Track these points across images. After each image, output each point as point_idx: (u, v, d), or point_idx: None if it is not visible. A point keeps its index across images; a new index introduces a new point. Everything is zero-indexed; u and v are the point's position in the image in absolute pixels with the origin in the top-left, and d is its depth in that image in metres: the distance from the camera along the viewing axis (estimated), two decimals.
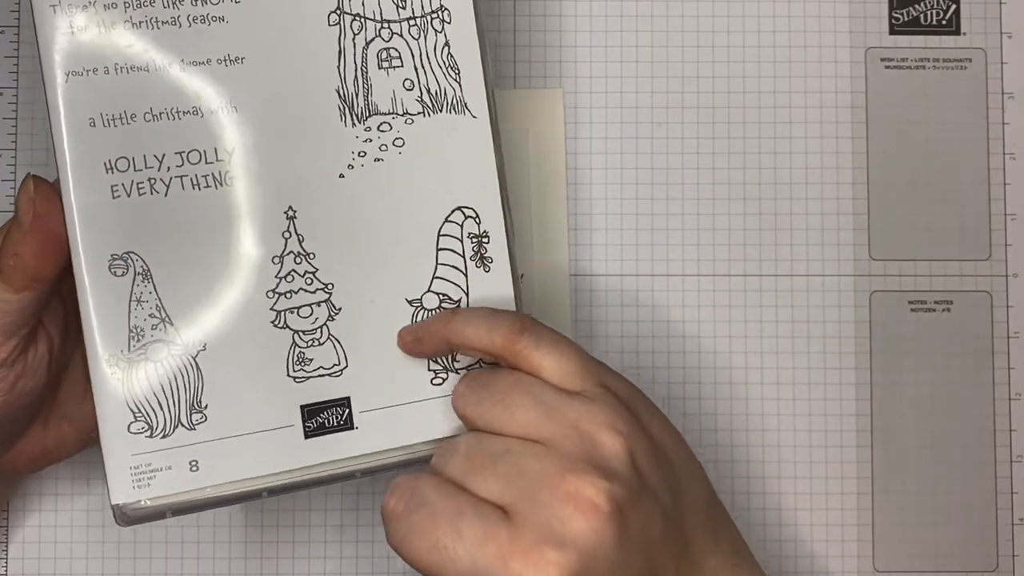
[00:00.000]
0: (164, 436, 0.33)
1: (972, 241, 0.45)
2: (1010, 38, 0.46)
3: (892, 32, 0.46)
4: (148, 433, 0.33)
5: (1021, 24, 0.46)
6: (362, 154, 0.35)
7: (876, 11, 0.46)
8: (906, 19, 0.46)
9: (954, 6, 0.46)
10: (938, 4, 0.46)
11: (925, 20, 0.46)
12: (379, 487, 0.44)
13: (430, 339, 0.35)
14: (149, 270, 0.33)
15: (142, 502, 0.33)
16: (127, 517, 0.33)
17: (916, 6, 0.46)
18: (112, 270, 0.33)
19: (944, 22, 0.46)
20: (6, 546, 0.44)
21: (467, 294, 0.36)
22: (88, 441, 0.38)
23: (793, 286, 0.45)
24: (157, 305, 0.33)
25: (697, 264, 0.45)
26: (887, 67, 0.46)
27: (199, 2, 0.34)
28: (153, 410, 0.33)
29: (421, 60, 0.35)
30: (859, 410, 0.45)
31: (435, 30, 0.36)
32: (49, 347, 0.35)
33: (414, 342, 0.35)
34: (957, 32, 0.46)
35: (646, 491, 0.31)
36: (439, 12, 0.36)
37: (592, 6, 0.46)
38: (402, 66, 0.35)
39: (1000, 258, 0.45)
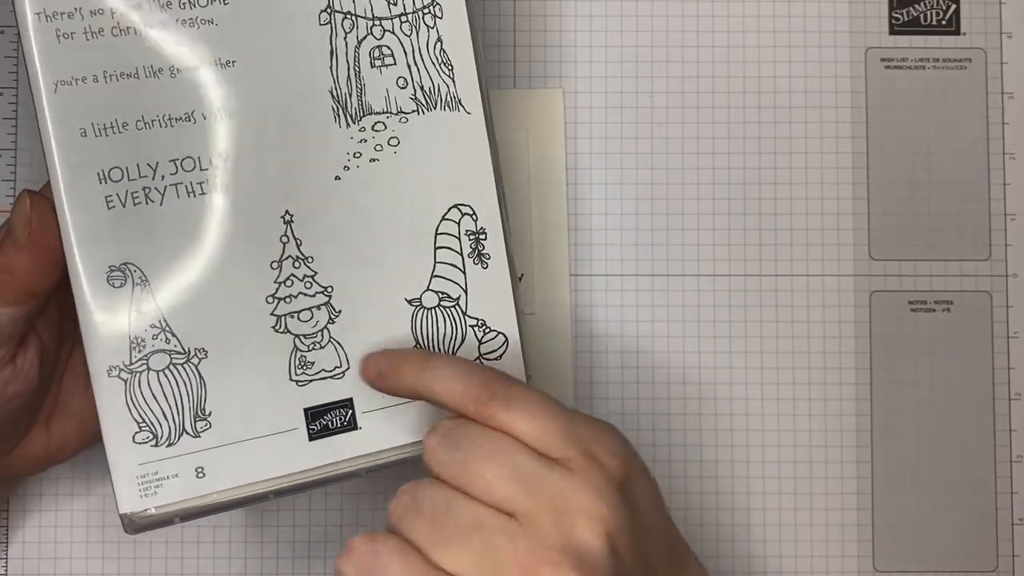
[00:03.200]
0: (170, 444, 0.33)
1: (972, 241, 0.45)
2: (1010, 38, 0.46)
3: (892, 32, 0.46)
4: (153, 442, 0.33)
5: (1021, 24, 0.46)
6: (357, 155, 0.35)
7: (876, 11, 0.46)
8: (906, 19, 0.46)
9: (954, 6, 0.46)
10: (938, 4, 0.46)
11: (925, 20, 0.46)
12: (380, 486, 0.44)
13: (395, 381, 0.33)
14: (147, 280, 0.33)
15: (150, 510, 0.33)
16: (135, 525, 0.33)
17: (916, 6, 0.46)
18: (110, 281, 0.33)
19: (944, 22, 0.46)
20: (6, 546, 0.44)
21: (466, 292, 0.36)
22: (90, 441, 0.38)
23: (793, 286, 0.45)
24: (157, 315, 0.33)
25: (697, 264, 0.45)
26: (887, 67, 0.46)
27: (187, 5, 0.33)
28: (157, 419, 0.33)
29: (414, 57, 0.35)
30: (859, 410, 0.45)
31: (427, 26, 0.35)
32: (39, 351, 0.35)
33: (378, 377, 0.33)
34: (957, 32, 0.46)
35: None
36: (431, 7, 0.35)
37: (592, 6, 0.46)
38: (395, 64, 0.35)
39: (1000, 258, 0.45)
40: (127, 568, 0.44)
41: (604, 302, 0.45)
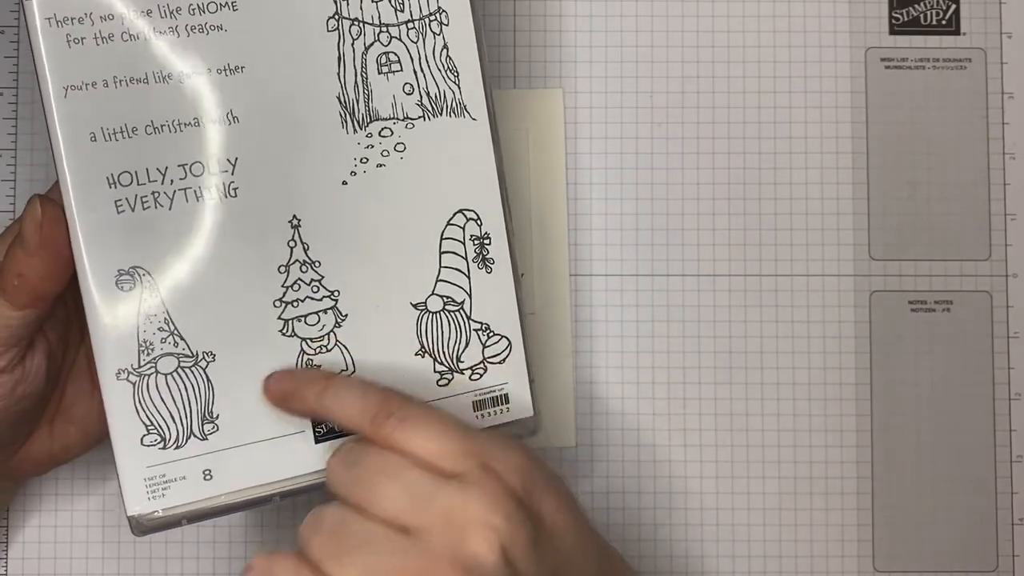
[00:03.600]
0: (177, 447, 0.34)
1: (972, 241, 0.45)
2: (1010, 38, 0.46)
3: (892, 32, 0.46)
4: (161, 445, 0.34)
5: (1021, 24, 0.46)
6: (364, 160, 0.35)
7: (876, 11, 0.46)
8: (906, 19, 0.46)
9: (954, 6, 0.46)
10: (938, 4, 0.46)
11: (925, 20, 0.46)
12: None
13: (298, 403, 0.33)
14: (156, 283, 0.33)
15: (157, 512, 0.33)
16: (143, 527, 0.33)
17: (916, 6, 0.46)
18: (119, 285, 0.33)
19: (944, 22, 0.46)
20: (6, 546, 0.44)
21: (470, 296, 0.36)
22: (93, 443, 0.38)
23: (793, 286, 0.45)
24: (165, 318, 0.33)
25: (697, 264, 0.45)
26: (887, 67, 0.46)
27: (197, 11, 0.33)
28: (165, 422, 0.33)
29: (420, 64, 0.35)
30: (859, 410, 0.45)
31: (433, 33, 0.36)
32: (47, 352, 0.35)
33: (280, 397, 0.34)
34: (957, 32, 0.46)
35: None
36: (437, 14, 0.36)
37: (592, 6, 0.46)
38: (401, 70, 0.35)
39: (1000, 258, 0.45)
40: (127, 568, 0.44)
41: (604, 302, 0.45)
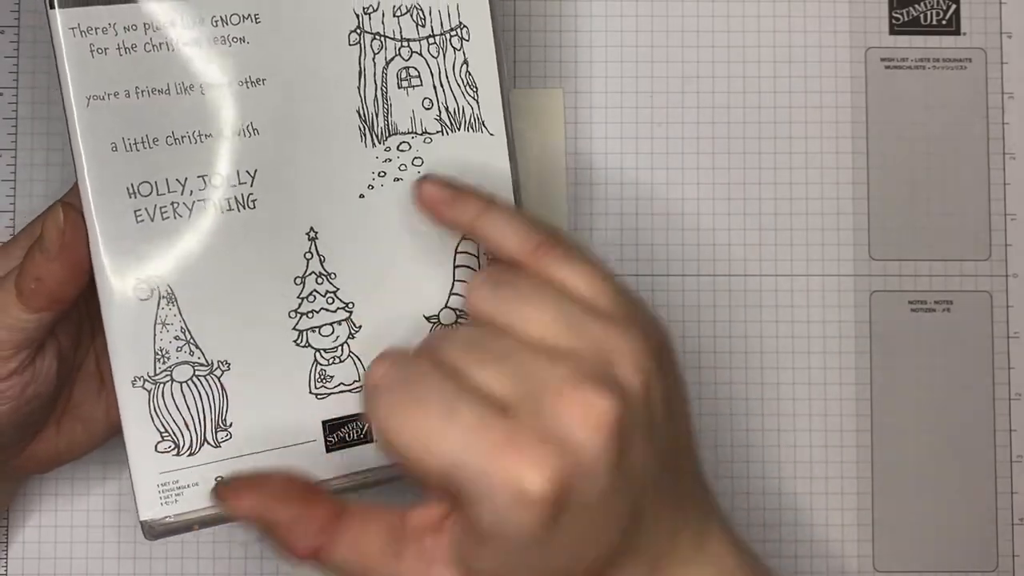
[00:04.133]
0: (191, 454, 0.34)
1: (972, 241, 0.45)
2: (1010, 38, 0.46)
3: (892, 32, 0.46)
4: (175, 452, 0.34)
5: (1021, 24, 0.46)
6: (382, 174, 0.35)
7: (876, 11, 0.46)
8: (906, 19, 0.46)
9: (954, 6, 0.46)
10: (938, 4, 0.46)
11: (925, 20, 0.46)
12: (379, 494, 0.44)
13: (452, 213, 0.32)
14: (174, 293, 0.33)
15: (169, 518, 0.34)
16: (155, 532, 0.34)
17: (916, 6, 0.46)
18: (137, 294, 0.33)
19: (944, 22, 0.46)
20: (6, 546, 0.44)
21: None
22: (97, 443, 0.38)
23: (793, 286, 0.45)
24: (182, 327, 0.34)
25: (697, 264, 0.45)
26: (887, 67, 0.46)
27: (220, 23, 0.34)
28: (180, 429, 0.34)
29: (440, 79, 0.36)
30: (859, 410, 0.45)
31: (454, 48, 0.36)
32: (57, 353, 0.35)
33: (433, 201, 0.32)
34: (957, 32, 0.46)
35: (653, 433, 0.28)
36: (458, 30, 0.36)
37: (592, 6, 0.46)
38: (421, 85, 0.36)
39: (1000, 258, 0.45)
40: (127, 568, 0.44)
41: None
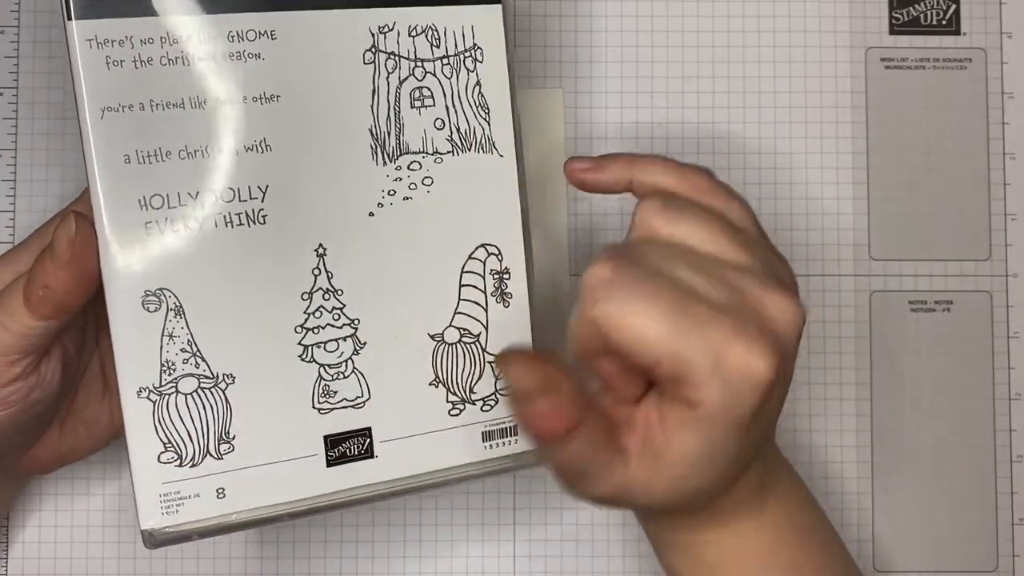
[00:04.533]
0: (193, 465, 0.34)
1: (972, 241, 0.45)
2: (1010, 38, 0.46)
3: (892, 32, 0.46)
4: (178, 463, 0.34)
5: (1021, 24, 0.46)
6: (392, 192, 0.35)
7: (876, 11, 0.46)
8: (906, 19, 0.46)
9: (954, 6, 0.46)
10: (938, 4, 0.46)
11: (925, 20, 0.46)
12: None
13: (607, 178, 0.35)
14: (181, 306, 0.33)
15: (170, 528, 0.34)
16: (155, 541, 0.34)
17: (916, 6, 0.46)
18: (145, 306, 0.33)
19: (944, 22, 0.46)
20: (6, 546, 0.44)
21: (486, 328, 0.36)
22: (100, 445, 0.38)
23: None
24: (188, 340, 0.34)
25: None
26: (887, 67, 0.46)
27: (236, 39, 0.34)
28: (183, 440, 0.34)
29: (452, 99, 0.36)
30: (859, 410, 0.45)
31: (467, 69, 0.36)
32: (62, 358, 0.36)
33: (593, 168, 0.35)
34: (957, 32, 0.46)
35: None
36: (472, 51, 0.36)
37: (592, 6, 0.46)
38: (434, 105, 0.36)
39: (1000, 258, 0.45)
40: (127, 568, 0.44)
41: None
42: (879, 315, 0.45)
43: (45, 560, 0.44)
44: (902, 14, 0.46)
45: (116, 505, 0.44)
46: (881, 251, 0.45)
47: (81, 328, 0.37)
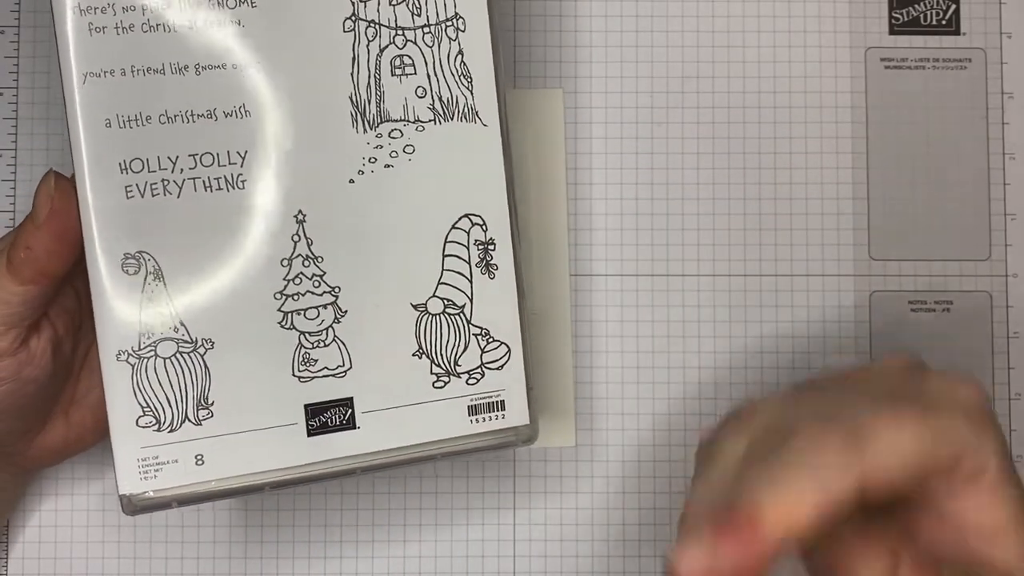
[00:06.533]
0: (171, 431, 0.34)
1: (972, 241, 0.45)
2: (1010, 38, 0.46)
3: (892, 32, 0.46)
4: (156, 427, 0.34)
5: (1021, 24, 0.46)
6: (372, 160, 0.35)
7: (876, 11, 0.46)
8: (906, 19, 0.46)
9: (954, 6, 0.46)
10: (938, 4, 0.46)
11: (925, 20, 0.46)
12: (379, 487, 0.44)
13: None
14: (161, 270, 0.34)
15: (148, 493, 0.34)
16: (133, 506, 0.34)
17: (916, 6, 0.46)
18: (124, 269, 0.34)
19: (944, 22, 0.46)
20: (6, 546, 0.44)
21: (471, 300, 0.36)
22: (108, 431, 0.39)
23: (793, 286, 0.45)
24: (168, 304, 0.34)
25: (697, 264, 0.45)
26: (887, 67, 0.46)
27: (216, 6, 0.34)
28: (161, 405, 0.34)
29: (434, 68, 0.36)
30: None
31: (449, 38, 0.36)
32: (52, 338, 0.36)
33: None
34: (957, 32, 0.46)
35: None
36: (454, 20, 0.36)
37: (592, 6, 0.46)
38: (415, 73, 0.36)
39: (1000, 258, 0.45)
40: (127, 568, 0.44)
41: (604, 302, 0.45)
42: (879, 315, 0.45)
43: (45, 560, 0.44)
44: (902, 14, 0.46)
45: (116, 504, 0.44)
46: (881, 251, 0.45)
47: (72, 311, 0.37)
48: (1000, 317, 0.45)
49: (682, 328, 0.45)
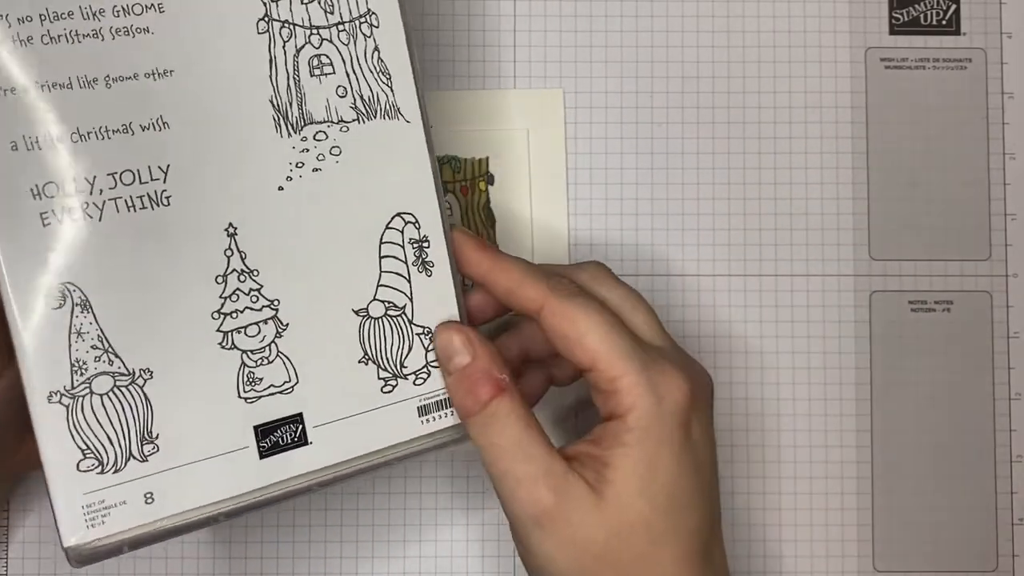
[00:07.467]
0: (116, 471, 0.32)
1: (972, 241, 0.45)
2: (1010, 38, 0.46)
3: (892, 32, 0.46)
4: (99, 469, 0.32)
5: (1021, 24, 0.46)
6: (300, 165, 0.34)
7: (876, 11, 0.46)
8: (906, 19, 0.46)
9: (954, 6, 0.46)
10: (938, 4, 0.46)
11: (925, 20, 0.46)
12: (379, 487, 0.44)
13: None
14: (88, 300, 0.32)
15: (96, 541, 0.32)
16: (82, 557, 0.32)
17: (916, 6, 0.46)
18: (48, 303, 0.31)
19: (944, 22, 0.46)
20: (6, 546, 0.44)
21: (411, 300, 0.35)
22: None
23: (793, 286, 0.45)
24: (99, 336, 0.32)
25: (697, 264, 0.45)
26: (887, 67, 0.46)
27: (121, 13, 0.32)
28: (103, 445, 0.32)
29: (352, 66, 0.35)
30: (859, 410, 0.45)
31: (364, 35, 0.35)
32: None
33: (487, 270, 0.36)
34: (957, 32, 0.46)
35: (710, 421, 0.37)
36: (367, 16, 0.35)
37: (592, 6, 0.46)
38: (334, 73, 0.35)
39: (1000, 258, 0.45)
40: (126, 568, 0.44)
41: None
42: (879, 315, 0.45)
43: (45, 560, 0.44)
44: (902, 14, 0.46)
45: None
46: (881, 251, 0.45)
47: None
48: (1000, 317, 0.45)
49: (682, 328, 0.45)
